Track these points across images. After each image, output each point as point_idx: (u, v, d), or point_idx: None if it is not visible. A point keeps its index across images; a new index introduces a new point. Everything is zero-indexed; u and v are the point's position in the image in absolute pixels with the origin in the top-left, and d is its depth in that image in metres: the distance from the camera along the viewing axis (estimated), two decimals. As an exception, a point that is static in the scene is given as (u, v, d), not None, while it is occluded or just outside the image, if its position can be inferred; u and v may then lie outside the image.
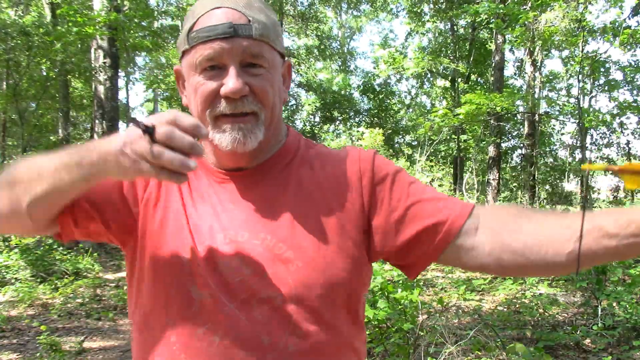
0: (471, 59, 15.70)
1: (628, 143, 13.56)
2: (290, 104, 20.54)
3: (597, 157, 14.60)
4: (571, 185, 14.91)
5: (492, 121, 11.35)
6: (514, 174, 14.89)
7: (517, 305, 5.42)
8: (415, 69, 15.41)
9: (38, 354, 4.23)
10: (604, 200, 14.47)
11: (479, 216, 0.92)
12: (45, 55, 10.29)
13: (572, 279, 5.38)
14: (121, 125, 15.52)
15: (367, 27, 37.89)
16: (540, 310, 5.08)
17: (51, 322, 5.48)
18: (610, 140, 14.80)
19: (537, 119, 12.76)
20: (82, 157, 0.82)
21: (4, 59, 10.35)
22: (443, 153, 17.12)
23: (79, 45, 11.13)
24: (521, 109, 12.36)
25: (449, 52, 16.28)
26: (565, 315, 5.26)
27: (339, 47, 24.29)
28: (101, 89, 11.40)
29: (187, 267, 0.90)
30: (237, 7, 0.89)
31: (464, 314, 5.24)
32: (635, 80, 13.30)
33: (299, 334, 0.88)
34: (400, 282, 4.03)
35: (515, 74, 17.33)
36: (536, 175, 12.86)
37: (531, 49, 12.20)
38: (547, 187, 14.08)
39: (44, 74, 11.88)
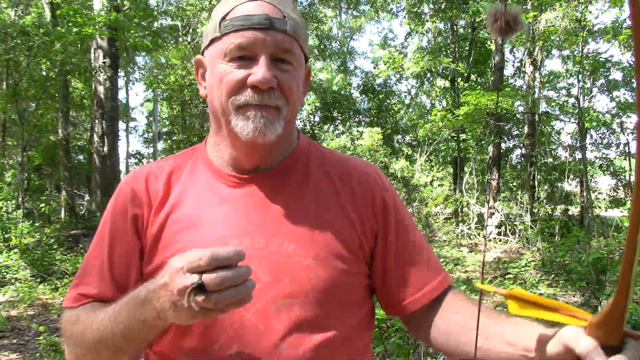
0: (471, 59, 15.69)
1: (628, 143, 13.54)
2: (290, 103, 20.45)
3: (597, 157, 14.59)
4: (571, 185, 14.91)
5: (491, 121, 11.35)
6: (514, 173, 14.88)
7: (517, 305, 5.41)
8: (415, 69, 15.40)
9: (38, 354, 4.23)
10: (604, 199, 14.47)
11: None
12: (45, 55, 10.28)
13: (572, 279, 5.38)
14: (121, 125, 15.53)
15: (367, 27, 37.89)
16: (540, 310, 5.07)
17: (51, 322, 5.48)
18: (610, 141, 14.80)
19: (537, 119, 12.75)
20: (131, 324, 0.80)
21: (4, 59, 10.34)
22: (443, 153, 17.11)
23: (79, 46, 11.12)
24: (521, 109, 12.36)
25: (449, 52, 16.28)
26: (565, 315, 5.25)
27: (338, 47, 24.28)
28: (101, 89, 11.41)
29: None
30: (273, 2, 0.89)
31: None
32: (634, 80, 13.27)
33: (317, 340, 0.87)
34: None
35: (515, 74, 17.32)
36: (536, 175, 12.85)
37: (531, 49, 12.20)
38: (547, 187, 14.06)
39: (44, 74, 11.87)
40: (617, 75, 13.39)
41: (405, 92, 22.34)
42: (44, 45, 10.05)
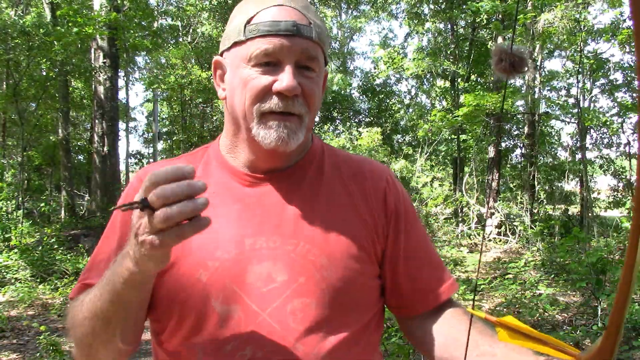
0: (471, 59, 15.69)
1: (628, 143, 13.55)
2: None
3: (597, 157, 14.59)
4: (570, 185, 14.91)
5: (491, 121, 11.35)
6: (513, 173, 14.88)
7: (517, 306, 5.42)
8: (415, 70, 15.40)
9: (38, 354, 4.23)
10: (603, 200, 14.47)
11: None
12: (45, 55, 10.28)
13: (572, 279, 5.38)
14: (121, 125, 15.54)
15: (367, 27, 37.90)
16: (540, 310, 5.08)
17: (51, 322, 5.48)
18: (611, 140, 14.80)
19: (536, 119, 12.76)
20: (115, 283, 0.79)
21: (4, 59, 10.35)
22: (443, 153, 17.11)
23: (79, 46, 11.13)
24: (521, 109, 12.37)
25: (449, 52, 16.27)
26: (565, 315, 5.26)
27: (338, 47, 24.29)
28: (101, 89, 11.42)
29: (207, 281, 0.87)
30: (298, 8, 0.89)
31: (464, 314, 5.23)
32: (634, 80, 13.28)
33: (331, 340, 0.87)
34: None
35: (515, 74, 17.24)
36: (536, 175, 12.85)
37: (531, 49, 12.19)
38: (547, 187, 14.06)
39: (44, 74, 11.88)
40: (617, 75, 13.40)
41: (405, 92, 22.36)
42: (44, 45, 10.05)
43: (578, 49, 9.73)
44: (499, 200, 12.28)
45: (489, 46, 14.40)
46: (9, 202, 9.69)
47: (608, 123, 13.00)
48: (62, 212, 13.85)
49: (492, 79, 13.22)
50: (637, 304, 4.66)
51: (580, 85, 11.91)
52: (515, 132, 15.49)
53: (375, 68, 20.82)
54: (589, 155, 13.74)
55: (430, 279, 0.99)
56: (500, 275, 7.22)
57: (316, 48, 0.89)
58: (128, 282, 0.77)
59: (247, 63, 0.88)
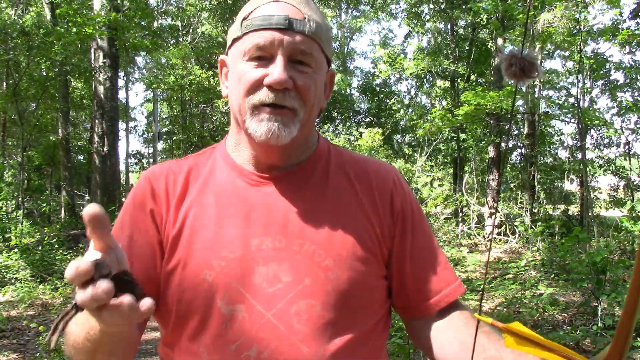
0: (471, 59, 15.70)
1: (628, 143, 13.55)
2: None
3: (597, 157, 14.59)
4: (571, 185, 14.93)
5: (491, 121, 11.35)
6: (513, 173, 14.89)
7: (517, 305, 5.42)
8: (415, 70, 15.41)
9: (38, 354, 4.23)
10: (604, 200, 14.46)
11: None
12: (45, 55, 10.28)
13: (572, 279, 5.38)
14: (121, 125, 15.53)
15: (367, 27, 37.93)
16: (540, 310, 5.08)
17: (51, 322, 5.48)
18: (611, 140, 14.80)
19: (536, 119, 12.76)
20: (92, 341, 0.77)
21: (4, 59, 10.35)
22: (443, 153, 17.12)
23: (79, 46, 11.13)
24: (521, 109, 12.36)
25: (449, 52, 16.28)
26: (565, 315, 5.26)
27: (338, 47, 24.31)
28: (101, 88, 11.42)
29: (213, 281, 0.87)
30: (295, 3, 0.89)
31: (463, 314, 5.23)
32: (636, 80, 13.30)
33: (337, 341, 0.87)
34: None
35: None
36: (536, 175, 12.86)
37: (530, 48, 12.19)
38: (547, 187, 14.08)
39: (44, 74, 11.88)
40: (617, 75, 13.42)
41: (404, 92, 22.37)
42: (43, 45, 10.05)
43: (578, 49, 9.73)
44: (499, 200, 12.28)
45: (489, 47, 14.41)
46: (9, 202, 9.69)
47: (608, 123, 13.00)
48: (62, 212, 13.85)
49: (492, 79, 13.21)
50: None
51: (580, 85, 11.90)
52: (515, 132, 15.50)
53: (374, 67, 20.84)
54: (589, 155, 13.75)
55: (437, 280, 0.98)
56: (500, 275, 7.22)
57: (310, 43, 0.88)
58: (101, 332, 0.75)
59: (242, 58, 0.89)
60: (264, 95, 0.87)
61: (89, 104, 15.89)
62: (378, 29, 41.34)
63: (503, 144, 12.89)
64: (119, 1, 10.98)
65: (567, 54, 12.97)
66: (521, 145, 14.22)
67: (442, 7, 15.49)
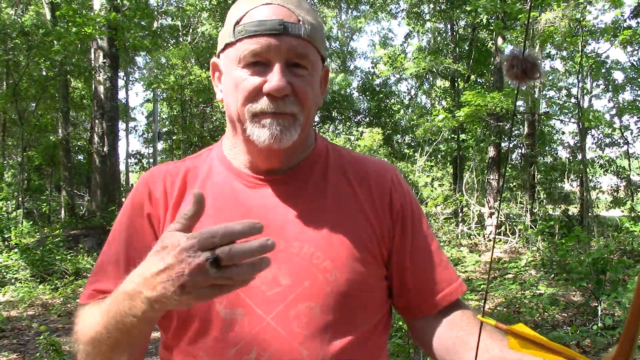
0: (471, 59, 15.69)
1: (628, 143, 13.56)
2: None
3: (598, 157, 14.59)
4: (571, 185, 14.91)
5: (491, 121, 11.35)
6: (513, 173, 14.88)
7: (517, 305, 5.42)
8: (415, 70, 15.40)
9: (38, 354, 4.23)
10: (605, 200, 14.46)
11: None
12: (44, 55, 10.28)
13: (572, 279, 5.38)
14: (121, 125, 15.53)
15: (367, 27, 37.91)
16: (540, 310, 5.08)
17: (51, 322, 5.48)
18: (611, 140, 14.80)
19: (536, 119, 12.75)
20: (124, 323, 0.76)
21: (3, 59, 10.35)
22: (443, 153, 17.12)
23: (79, 46, 11.13)
24: (521, 109, 12.36)
25: (449, 52, 16.28)
26: (565, 315, 5.26)
27: (338, 47, 24.30)
28: (101, 88, 11.41)
29: None
30: (288, 5, 0.88)
31: (464, 314, 5.23)
32: (637, 79, 13.30)
33: (337, 343, 0.87)
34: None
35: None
36: (536, 175, 12.85)
37: (531, 49, 12.17)
38: (547, 186, 14.07)
39: (44, 74, 11.88)
40: (617, 75, 13.42)
41: (405, 92, 22.37)
42: (43, 45, 10.05)
43: (578, 49, 9.72)
44: (499, 200, 12.27)
45: (489, 47, 14.40)
46: (9, 202, 9.69)
47: (608, 123, 12.99)
48: (62, 212, 13.85)
49: (492, 79, 13.21)
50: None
51: (580, 85, 11.90)
52: (515, 132, 15.50)
53: (374, 67, 20.84)
54: (590, 155, 13.75)
55: (438, 280, 0.97)
56: (500, 275, 7.22)
57: (306, 45, 0.88)
58: (140, 317, 0.74)
59: (237, 64, 0.88)
60: (264, 104, 0.86)
61: (89, 104, 15.89)
62: (378, 29, 41.39)
63: (503, 144, 12.90)
64: (118, 1, 10.98)
65: (566, 54, 12.96)
66: (521, 145, 14.21)
67: (442, 7, 15.49)
